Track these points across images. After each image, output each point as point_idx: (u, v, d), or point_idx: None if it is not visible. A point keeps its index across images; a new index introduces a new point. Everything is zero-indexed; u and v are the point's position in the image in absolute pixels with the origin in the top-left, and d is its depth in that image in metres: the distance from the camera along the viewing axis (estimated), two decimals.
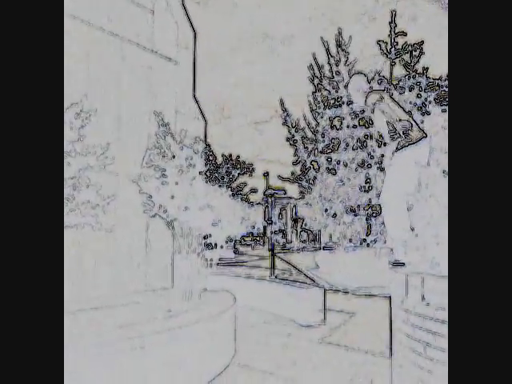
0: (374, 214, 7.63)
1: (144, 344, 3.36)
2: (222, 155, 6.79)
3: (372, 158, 7.69)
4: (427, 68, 7.69)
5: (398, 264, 4.03)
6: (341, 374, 4.26)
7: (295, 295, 6.42)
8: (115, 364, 3.20)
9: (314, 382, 4.03)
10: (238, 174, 6.85)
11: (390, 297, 3.59)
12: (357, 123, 7.85)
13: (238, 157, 6.91)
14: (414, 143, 4.12)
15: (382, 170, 7.50)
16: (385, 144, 7.29)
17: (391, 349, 3.38)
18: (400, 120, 4.19)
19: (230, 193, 5.95)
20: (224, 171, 6.62)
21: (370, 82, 7.26)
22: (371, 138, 7.73)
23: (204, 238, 5.47)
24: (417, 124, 4.25)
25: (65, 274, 5.07)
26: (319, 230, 9.99)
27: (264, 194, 8.14)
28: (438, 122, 4.48)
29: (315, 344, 5.21)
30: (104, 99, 5.48)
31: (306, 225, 10.54)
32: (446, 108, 6.40)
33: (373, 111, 4.37)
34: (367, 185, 7.70)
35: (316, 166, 8.31)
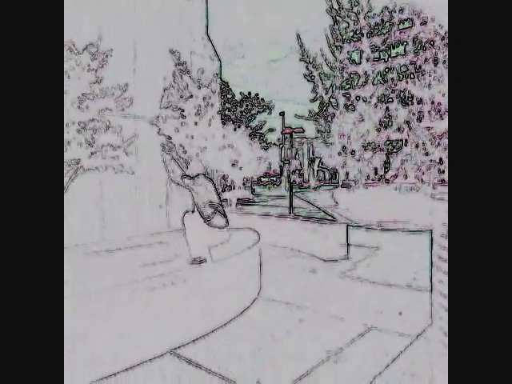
0: (395, 150, 7.55)
1: (174, 281, 3.48)
2: (241, 93, 6.66)
3: (393, 91, 7.49)
4: None
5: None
6: (365, 306, 4.38)
7: (316, 231, 6.51)
8: (147, 300, 3.33)
9: (339, 314, 4.17)
10: (258, 111, 6.75)
11: (430, 230, 3.56)
12: (378, 56, 7.59)
13: (257, 94, 6.78)
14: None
15: (403, 104, 7.33)
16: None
17: (431, 280, 3.42)
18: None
19: (249, 132, 5.92)
20: (243, 109, 6.53)
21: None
22: (392, 70, 7.50)
23: (223, 178, 5.51)
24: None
25: (88, 217, 5.18)
26: (336, 169, 9.97)
27: (281, 133, 8.07)
28: None
29: (339, 277, 5.34)
30: (119, 40, 5.35)
31: (322, 164, 10.52)
32: None
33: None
34: (387, 120, 7.56)
35: (335, 103, 8.13)
